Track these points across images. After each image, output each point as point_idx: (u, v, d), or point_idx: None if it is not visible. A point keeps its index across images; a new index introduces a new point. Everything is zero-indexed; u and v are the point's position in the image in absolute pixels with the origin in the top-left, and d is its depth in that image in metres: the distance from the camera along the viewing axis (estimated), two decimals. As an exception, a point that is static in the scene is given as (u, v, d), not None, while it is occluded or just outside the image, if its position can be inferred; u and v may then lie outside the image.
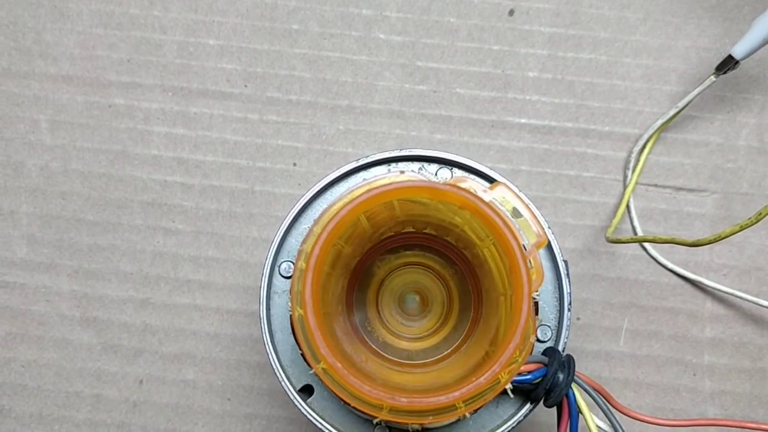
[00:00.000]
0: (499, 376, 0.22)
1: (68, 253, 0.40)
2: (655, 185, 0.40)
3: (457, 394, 0.21)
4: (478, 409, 0.30)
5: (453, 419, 0.23)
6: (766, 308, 0.38)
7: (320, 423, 0.31)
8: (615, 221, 0.38)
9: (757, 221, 0.28)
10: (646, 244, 0.39)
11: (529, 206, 0.25)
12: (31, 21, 0.41)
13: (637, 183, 0.39)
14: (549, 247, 0.31)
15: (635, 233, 0.39)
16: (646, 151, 0.39)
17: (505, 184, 0.25)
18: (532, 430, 0.38)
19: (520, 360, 0.23)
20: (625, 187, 0.39)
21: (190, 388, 0.39)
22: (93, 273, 0.40)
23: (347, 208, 0.23)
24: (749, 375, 0.39)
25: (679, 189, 0.40)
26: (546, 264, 0.32)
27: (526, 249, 0.23)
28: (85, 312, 0.40)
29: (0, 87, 0.41)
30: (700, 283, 0.39)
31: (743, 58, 0.36)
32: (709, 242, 0.30)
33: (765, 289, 0.39)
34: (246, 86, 0.41)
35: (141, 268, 0.40)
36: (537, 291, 0.23)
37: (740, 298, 0.38)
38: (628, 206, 0.39)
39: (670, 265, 0.39)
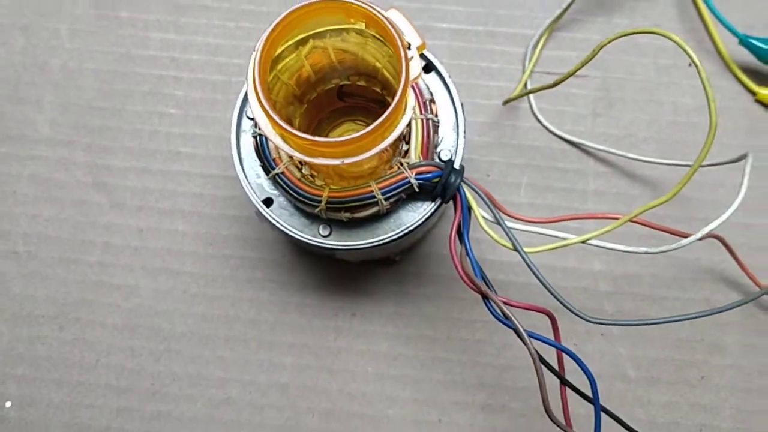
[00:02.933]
0: (392, 120, 0.32)
1: (83, 132, 0.50)
2: (548, 72, 0.50)
3: (358, 134, 0.31)
4: (394, 200, 0.40)
5: (367, 155, 0.32)
6: (637, 161, 0.48)
7: (279, 223, 0.40)
8: (514, 94, 0.48)
9: (593, 56, 0.38)
10: (540, 117, 0.49)
11: (412, 23, 0.35)
12: (53, -48, 0.52)
13: (533, 71, 0.50)
14: (450, 93, 0.42)
15: (532, 108, 0.49)
16: (540, 46, 0.50)
17: (395, 8, 0.35)
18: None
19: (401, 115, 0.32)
20: (523, 73, 0.50)
21: (180, 236, 0.49)
22: (103, 148, 0.50)
23: (278, 19, 0.33)
24: (624, 218, 0.49)
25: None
26: (447, 105, 0.42)
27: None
28: (96, 178, 0.50)
29: (29, 3, 0.52)
30: (585, 145, 0.49)
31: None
32: (562, 80, 0.40)
33: (635, 151, 0.49)
34: (224, 1, 0.52)
35: (141, 144, 0.50)
36: (416, 81, 0.33)
37: (616, 155, 0.48)
38: (525, 85, 0.49)
39: (560, 133, 0.49)
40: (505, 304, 0.37)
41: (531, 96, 0.49)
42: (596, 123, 0.50)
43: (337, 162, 0.33)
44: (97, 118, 0.50)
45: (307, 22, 0.34)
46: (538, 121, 0.49)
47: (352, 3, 0.33)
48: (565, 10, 0.49)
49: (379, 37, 0.35)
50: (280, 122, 0.31)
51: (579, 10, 0.50)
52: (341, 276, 0.48)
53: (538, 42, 0.50)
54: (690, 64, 0.50)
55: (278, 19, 0.32)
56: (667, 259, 0.48)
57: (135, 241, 0.49)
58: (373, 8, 0.33)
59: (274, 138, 0.33)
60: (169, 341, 0.48)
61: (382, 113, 0.45)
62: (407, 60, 0.32)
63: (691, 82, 0.50)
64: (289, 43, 0.36)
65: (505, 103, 0.47)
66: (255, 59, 0.32)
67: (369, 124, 0.46)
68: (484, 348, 0.47)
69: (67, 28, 0.51)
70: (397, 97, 0.32)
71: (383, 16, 0.33)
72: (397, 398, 0.46)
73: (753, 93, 0.50)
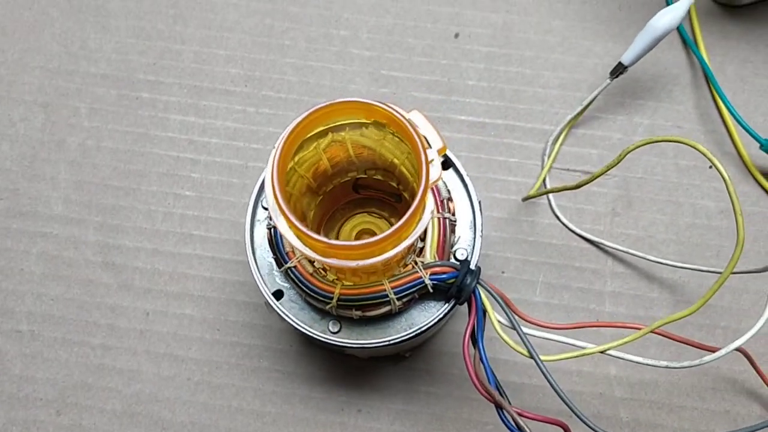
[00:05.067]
0: (410, 224, 0.31)
1: (95, 211, 0.50)
2: (567, 169, 0.50)
3: (374, 239, 0.30)
4: (407, 300, 0.39)
5: (377, 259, 0.31)
6: (656, 263, 0.47)
7: (288, 317, 0.39)
8: (533, 191, 0.47)
9: (619, 161, 0.37)
10: (559, 214, 0.48)
11: (434, 126, 0.35)
12: (79, 32, 0.53)
13: (551, 167, 0.49)
14: (467, 190, 0.41)
15: (550, 204, 0.49)
16: (559, 142, 0.50)
17: (417, 111, 0.35)
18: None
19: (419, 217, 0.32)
20: (542, 168, 0.49)
21: (188, 320, 0.48)
22: (114, 227, 0.49)
23: (300, 117, 0.33)
24: (643, 321, 0.47)
25: (587, 172, 0.50)
26: (465, 202, 0.41)
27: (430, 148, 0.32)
28: (106, 258, 0.49)
29: (51, 81, 0.52)
30: (603, 245, 0.48)
31: (630, 65, 0.47)
32: (586, 183, 0.39)
33: (654, 252, 0.48)
34: (246, 86, 0.52)
35: (154, 225, 0.49)
36: (437, 181, 0.32)
37: (635, 255, 0.47)
38: (544, 181, 0.48)
39: (579, 231, 0.48)
40: (519, 415, 0.36)
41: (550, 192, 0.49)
42: (615, 222, 0.49)
43: (351, 264, 0.32)
44: (111, 197, 0.50)
45: (328, 120, 0.34)
46: (557, 218, 0.49)
47: (374, 104, 0.32)
48: (586, 107, 0.49)
49: (399, 136, 0.35)
50: (297, 224, 0.30)
51: (599, 107, 0.50)
52: (349, 370, 0.47)
53: (557, 138, 0.49)
54: (711, 167, 0.49)
55: (298, 119, 0.32)
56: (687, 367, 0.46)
57: (141, 324, 0.48)
58: (394, 110, 0.33)
59: (290, 237, 0.32)
60: (168, 431, 0.46)
61: (397, 206, 0.45)
62: (428, 163, 0.31)
63: (712, 184, 0.49)
64: (309, 135, 0.36)
65: (525, 200, 0.46)
66: (274, 160, 0.31)
67: (383, 216, 0.46)
68: (494, 452, 0.45)
69: (87, 107, 0.52)
70: (416, 202, 0.31)
71: (405, 118, 0.32)
72: (402, 503, 0.44)
73: (775, 198, 0.49)
